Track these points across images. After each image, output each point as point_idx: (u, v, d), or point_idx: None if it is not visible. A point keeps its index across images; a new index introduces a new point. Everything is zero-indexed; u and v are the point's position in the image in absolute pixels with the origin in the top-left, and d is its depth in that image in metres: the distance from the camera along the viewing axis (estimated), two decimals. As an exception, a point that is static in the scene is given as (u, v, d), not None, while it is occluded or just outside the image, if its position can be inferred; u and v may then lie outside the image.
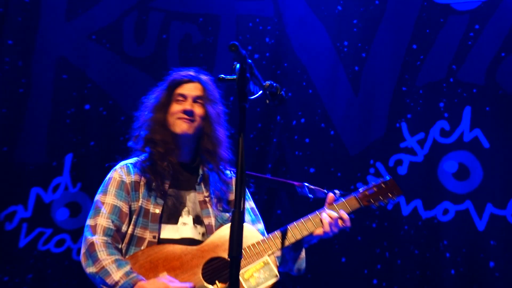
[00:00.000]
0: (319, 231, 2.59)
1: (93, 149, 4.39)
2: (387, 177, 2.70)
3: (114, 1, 4.48)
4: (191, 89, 2.70)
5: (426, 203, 4.13)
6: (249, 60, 2.04)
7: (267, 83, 2.22)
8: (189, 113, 2.66)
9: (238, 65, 2.07)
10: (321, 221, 2.58)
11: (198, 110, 2.69)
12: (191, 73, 2.75)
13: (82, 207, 4.38)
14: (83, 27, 4.46)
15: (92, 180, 4.38)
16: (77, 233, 4.34)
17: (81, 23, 4.47)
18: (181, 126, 2.66)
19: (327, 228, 2.56)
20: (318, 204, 2.74)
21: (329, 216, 2.58)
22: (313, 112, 4.32)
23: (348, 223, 2.60)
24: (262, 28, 4.42)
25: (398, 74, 4.28)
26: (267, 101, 2.34)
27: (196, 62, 4.44)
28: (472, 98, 4.17)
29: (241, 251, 1.92)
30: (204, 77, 2.77)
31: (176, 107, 2.69)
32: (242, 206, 1.91)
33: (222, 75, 2.19)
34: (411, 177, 4.17)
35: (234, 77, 2.08)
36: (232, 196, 2.72)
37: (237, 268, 1.90)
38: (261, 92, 2.22)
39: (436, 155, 4.17)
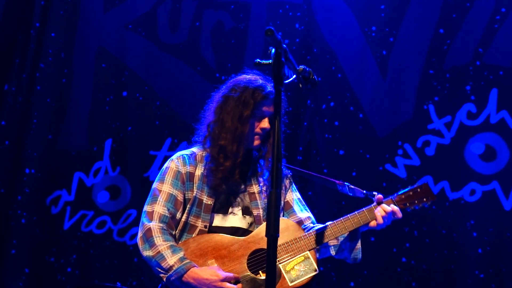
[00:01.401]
0: (372, 223, 2.75)
1: (131, 134, 4.57)
2: (423, 181, 2.88)
3: (149, -10, 4.64)
4: (269, 108, 2.76)
5: (453, 184, 4.21)
6: (284, 45, 2.14)
7: (301, 67, 2.30)
8: (265, 130, 2.78)
9: (273, 50, 2.15)
10: (374, 214, 2.73)
11: (269, 125, 2.78)
12: (270, 89, 2.77)
13: (121, 190, 4.57)
14: (120, 17, 4.64)
15: (130, 163, 4.57)
16: (117, 215, 4.55)
17: (118, 13, 4.65)
18: (256, 142, 2.78)
19: (380, 220, 2.72)
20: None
21: (384, 210, 2.73)
22: (342, 95, 4.42)
23: (400, 215, 2.75)
24: (292, 14, 4.53)
25: (425, 57, 4.35)
26: (300, 85, 2.43)
27: (228, 48, 4.59)
28: (499, 80, 4.23)
29: (278, 230, 2.01)
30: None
31: (257, 125, 2.77)
32: (278, 186, 2.00)
33: (258, 60, 2.29)
34: (438, 158, 4.25)
35: (270, 61, 2.16)
36: (282, 189, 2.85)
37: (274, 246, 2.00)
38: (294, 76, 2.31)
39: (462, 137, 4.24)
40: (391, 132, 4.35)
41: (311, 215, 2.92)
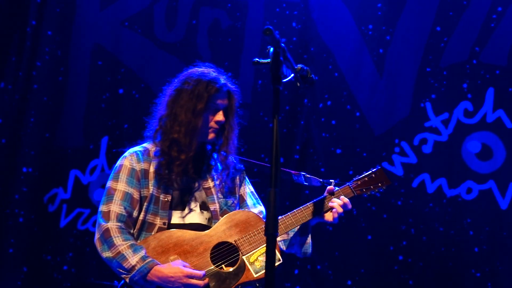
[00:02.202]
0: (327, 217, 2.75)
1: (127, 131, 4.56)
2: (377, 167, 2.86)
3: (145, -12, 4.63)
4: (223, 100, 2.74)
5: (450, 182, 4.23)
6: (282, 44, 2.13)
7: (299, 66, 2.27)
8: (220, 123, 2.75)
9: (271, 49, 2.13)
10: (329, 207, 2.74)
11: (224, 118, 2.76)
12: (224, 82, 2.76)
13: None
14: (116, 15, 4.63)
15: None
16: (114, 213, 4.53)
17: (114, 10, 4.64)
18: (210, 136, 2.74)
19: (336, 215, 2.73)
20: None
21: (336, 202, 2.75)
22: (339, 94, 4.43)
23: (349, 206, 2.76)
24: (289, 13, 4.53)
25: (422, 55, 4.36)
26: (298, 84, 2.40)
27: (224, 46, 4.58)
28: (495, 79, 4.24)
29: (277, 228, 2.00)
30: (233, 87, 2.80)
31: (211, 118, 2.73)
32: (277, 185, 1.98)
33: (257, 59, 2.27)
34: (435, 156, 4.27)
35: (268, 60, 2.15)
36: (235, 183, 2.85)
37: (273, 244, 1.98)
38: (292, 75, 2.29)
39: (460, 135, 4.25)
40: (388, 130, 4.36)
41: (263, 209, 2.89)
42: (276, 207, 1.96)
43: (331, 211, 2.74)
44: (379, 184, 2.84)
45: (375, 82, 4.41)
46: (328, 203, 2.75)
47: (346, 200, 2.76)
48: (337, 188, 2.80)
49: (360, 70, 4.44)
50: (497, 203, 4.15)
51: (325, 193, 2.79)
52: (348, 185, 2.82)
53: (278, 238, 2.77)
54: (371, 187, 2.83)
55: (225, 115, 2.74)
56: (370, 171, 2.84)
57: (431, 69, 4.33)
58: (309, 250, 2.83)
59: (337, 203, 2.75)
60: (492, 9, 4.27)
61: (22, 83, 4.55)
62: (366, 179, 2.82)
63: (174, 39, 4.62)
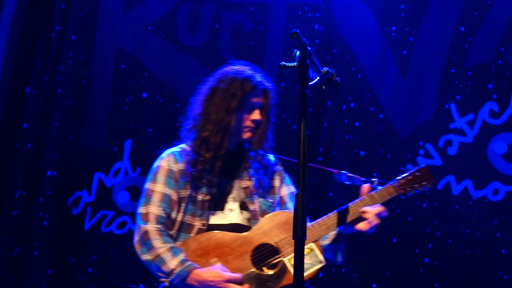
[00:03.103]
0: (360, 226, 2.64)
1: (151, 135, 4.58)
2: (421, 165, 2.81)
3: (168, -7, 4.66)
4: (259, 99, 2.71)
5: (476, 183, 4.18)
6: (309, 48, 2.14)
7: (325, 69, 2.28)
8: (256, 122, 2.71)
9: (298, 52, 2.14)
10: (360, 214, 2.64)
11: (261, 116, 2.73)
12: (259, 79, 2.73)
13: (141, 190, 4.58)
14: (139, 19, 4.66)
15: (150, 164, 4.53)
16: (138, 216, 4.56)
17: (137, 15, 4.67)
18: (246, 135, 2.71)
19: (368, 226, 2.62)
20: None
21: (370, 214, 2.64)
22: (363, 96, 4.41)
23: (385, 213, 2.67)
24: (311, 15, 4.52)
25: (446, 56, 4.32)
26: (323, 87, 2.41)
27: (247, 49, 4.59)
28: (521, 79, 4.21)
29: (306, 232, 1.98)
30: (268, 85, 2.77)
31: (246, 117, 2.70)
32: (305, 189, 1.98)
33: (284, 63, 2.27)
34: (461, 157, 4.22)
35: (295, 64, 2.15)
36: (274, 183, 2.81)
37: (302, 249, 1.97)
38: (318, 78, 2.30)
39: (485, 136, 4.21)
40: (412, 132, 4.33)
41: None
42: (304, 211, 1.95)
43: (365, 219, 2.64)
44: (424, 183, 2.74)
45: (398, 83, 4.39)
46: (360, 209, 2.65)
47: (381, 208, 2.66)
48: (379, 188, 2.72)
49: (383, 71, 4.42)
50: (524, 205, 4.11)
51: (362, 195, 2.70)
52: (391, 184, 2.73)
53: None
54: (415, 185, 2.73)
55: (261, 114, 2.71)
56: (415, 169, 2.76)
57: (455, 70, 4.29)
58: (340, 258, 2.78)
59: (371, 214, 2.64)
60: (517, 9, 4.23)
61: (46, 88, 4.60)
62: (410, 177, 2.73)
63: (197, 43, 4.64)
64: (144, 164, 4.58)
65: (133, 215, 4.50)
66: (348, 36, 4.48)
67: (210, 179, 2.68)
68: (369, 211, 2.64)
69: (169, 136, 4.50)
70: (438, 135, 4.28)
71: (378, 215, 2.65)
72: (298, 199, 1.97)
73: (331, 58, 4.45)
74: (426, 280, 4.19)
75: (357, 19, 4.47)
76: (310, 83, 2.18)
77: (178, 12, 4.65)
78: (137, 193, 4.56)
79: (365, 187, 2.71)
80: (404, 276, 4.23)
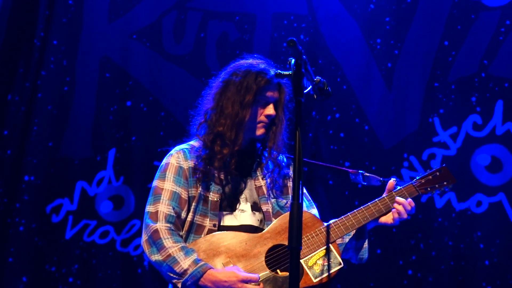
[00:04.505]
0: (383, 219, 2.62)
1: (135, 144, 4.54)
2: (443, 165, 2.79)
3: (154, 2, 4.62)
4: (274, 93, 2.62)
5: (459, 195, 4.21)
6: (304, 56, 2.12)
7: (317, 78, 2.27)
8: (270, 117, 2.63)
9: (293, 60, 2.13)
10: (382, 209, 2.60)
11: (275, 111, 2.66)
12: (274, 73, 2.61)
13: (124, 200, 4.54)
14: (124, 27, 4.62)
15: (134, 173, 4.54)
16: (120, 225, 4.51)
17: (123, 23, 4.62)
18: (260, 131, 2.63)
19: (396, 215, 2.59)
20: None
21: (399, 203, 2.61)
22: (348, 107, 4.42)
23: (413, 210, 2.64)
24: (296, 25, 4.53)
25: (430, 70, 4.36)
26: (315, 96, 2.40)
27: (233, 58, 4.53)
28: (504, 92, 4.24)
29: (301, 242, 1.94)
30: (283, 80, 2.67)
31: (261, 112, 2.61)
32: (300, 198, 1.95)
33: (279, 71, 2.25)
34: (444, 171, 4.25)
35: (290, 72, 2.14)
36: (288, 182, 2.73)
37: (297, 258, 1.94)
38: (310, 87, 2.28)
39: (468, 148, 4.25)
40: (397, 144, 4.36)
41: (317, 212, 2.76)
42: (300, 220, 1.93)
43: (390, 213, 2.60)
44: (445, 183, 2.73)
45: (383, 96, 4.41)
46: (391, 203, 2.62)
47: (412, 203, 2.62)
48: (399, 187, 2.68)
49: (369, 83, 4.44)
50: (507, 216, 4.14)
51: (386, 193, 2.66)
52: (412, 183, 2.70)
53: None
54: (436, 185, 2.72)
55: (275, 109, 2.62)
56: (435, 169, 2.74)
57: (439, 84, 4.33)
58: (366, 255, 2.71)
59: (402, 203, 2.60)
60: (501, 22, 4.28)
61: (28, 93, 4.54)
62: (430, 177, 2.72)
63: (182, 52, 4.62)
64: (128, 173, 4.54)
65: (116, 224, 4.51)
66: (333, 47, 4.50)
67: (223, 177, 2.58)
68: (400, 201, 2.60)
69: (153, 144, 4.54)
70: (422, 148, 4.31)
71: (408, 209, 2.61)
72: (293, 208, 1.94)
73: (317, 68, 4.46)
74: (410, 292, 4.20)
75: (343, 30, 4.49)
76: (304, 92, 2.16)
77: (164, 20, 4.63)
78: (120, 202, 4.53)
79: (391, 182, 2.67)
80: (388, 287, 4.23)
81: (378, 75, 4.43)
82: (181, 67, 4.60)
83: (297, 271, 1.91)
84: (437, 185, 2.73)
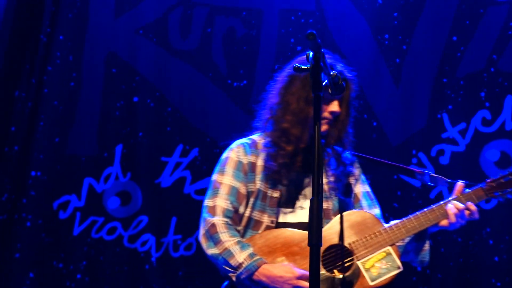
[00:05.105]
0: (444, 222, 2.55)
1: (141, 140, 4.52)
2: None
3: (160, -3, 4.61)
4: None
5: (469, 192, 4.20)
6: (323, 49, 2.09)
7: (334, 72, 2.20)
8: (335, 114, 2.58)
9: (311, 54, 2.08)
10: (446, 212, 2.54)
11: (340, 108, 2.60)
12: (340, 69, 2.59)
13: (132, 196, 4.52)
14: (130, 23, 4.59)
15: (141, 169, 4.52)
16: (128, 221, 4.50)
17: (129, 19, 4.60)
18: (323, 127, 2.56)
19: (453, 219, 2.52)
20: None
21: (456, 207, 2.54)
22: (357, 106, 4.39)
23: (476, 215, 2.56)
24: (304, 21, 4.50)
25: (439, 65, 4.34)
26: (330, 91, 2.36)
27: (239, 54, 4.56)
28: (513, 87, 4.24)
29: (321, 239, 1.90)
30: (349, 75, 2.66)
31: (325, 108, 2.55)
32: (319, 194, 1.91)
33: (297, 64, 2.20)
34: (453, 167, 4.23)
35: (308, 66, 2.09)
36: (350, 180, 2.69)
37: (318, 255, 1.89)
38: (326, 81, 2.22)
39: (477, 144, 4.22)
40: (405, 140, 4.33)
41: (379, 212, 2.72)
42: (320, 216, 1.90)
43: (448, 218, 2.54)
44: None
45: (391, 92, 4.39)
46: (447, 208, 2.54)
47: (473, 207, 2.54)
48: (467, 190, 2.62)
49: (377, 79, 4.42)
50: (517, 212, 4.13)
51: (454, 194, 2.59)
52: (481, 186, 2.62)
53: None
54: (507, 190, 2.60)
55: (340, 105, 2.57)
56: (507, 172, 2.62)
57: (447, 79, 4.31)
58: (427, 258, 2.64)
59: (456, 207, 2.52)
60: (509, 17, 4.26)
61: (34, 89, 4.52)
62: (502, 180, 2.60)
63: (188, 47, 4.60)
64: (134, 169, 4.52)
65: (123, 220, 4.49)
66: (341, 43, 4.48)
67: (287, 174, 2.53)
68: (458, 206, 2.53)
69: (160, 140, 4.52)
70: (431, 144, 4.28)
71: (467, 211, 2.53)
72: (313, 204, 1.91)
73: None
74: (419, 289, 4.19)
75: (350, 26, 4.47)
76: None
77: (170, 16, 4.61)
78: (127, 198, 4.51)
79: (460, 185, 2.60)
80: (397, 284, 4.19)
81: (386, 71, 4.41)
82: (187, 63, 4.58)
83: (317, 270, 1.87)
84: (509, 190, 2.61)
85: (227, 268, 2.47)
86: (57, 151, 4.52)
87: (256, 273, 2.43)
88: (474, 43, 4.31)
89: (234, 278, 2.47)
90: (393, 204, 4.22)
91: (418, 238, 2.63)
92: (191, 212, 4.29)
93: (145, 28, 4.60)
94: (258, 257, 2.45)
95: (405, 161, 4.30)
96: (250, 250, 2.46)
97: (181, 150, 4.52)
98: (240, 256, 2.45)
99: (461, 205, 2.54)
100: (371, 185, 4.10)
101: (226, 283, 2.56)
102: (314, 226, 1.91)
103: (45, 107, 4.53)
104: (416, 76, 4.37)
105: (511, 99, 4.21)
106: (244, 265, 2.44)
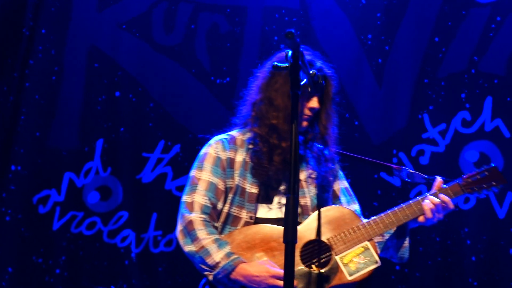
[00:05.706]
0: (421, 218, 2.56)
1: (123, 135, 4.51)
2: (491, 165, 2.70)
3: (144, -8, 4.60)
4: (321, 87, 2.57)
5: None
6: (301, 48, 2.10)
7: (313, 71, 2.23)
8: (314, 111, 2.58)
9: (290, 52, 2.09)
10: (423, 207, 2.55)
11: (319, 105, 2.60)
12: (320, 65, 2.59)
13: (112, 191, 4.51)
14: (114, 17, 4.58)
15: (122, 164, 4.51)
16: (107, 216, 4.48)
17: (112, 13, 4.58)
18: (303, 124, 2.58)
19: (429, 214, 2.54)
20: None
21: (432, 202, 2.55)
22: (338, 102, 4.41)
23: (451, 205, 2.57)
24: (288, 19, 4.52)
25: (420, 66, 4.37)
26: (309, 89, 2.37)
27: (223, 51, 4.56)
28: (493, 88, 4.25)
29: (296, 236, 1.91)
30: (329, 71, 2.65)
31: (305, 105, 2.55)
32: (296, 192, 1.92)
33: (276, 63, 2.21)
34: (432, 167, 4.25)
35: (287, 64, 2.10)
36: (331, 177, 2.69)
37: (292, 252, 1.91)
38: (305, 80, 2.24)
39: (457, 145, 4.26)
40: (386, 140, 4.36)
41: (358, 208, 2.74)
42: (295, 214, 1.91)
43: (424, 213, 2.54)
44: (493, 183, 2.63)
45: (373, 91, 4.41)
46: (423, 204, 2.55)
47: (446, 199, 2.55)
48: (445, 186, 2.63)
49: (359, 79, 4.44)
50: (494, 212, 4.16)
51: (433, 190, 2.60)
52: (458, 182, 2.63)
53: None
54: (483, 185, 2.62)
55: (320, 102, 2.57)
56: (483, 169, 2.65)
57: (428, 80, 4.34)
58: (406, 254, 2.66)
59: (432, 202, 2.53)
60: (491, 19, 4.29)
61: (16, 83, 4.49)
62: (478, 177, 2.62)
63: (172, 43, 4.59)
64: (115, 164, 4.50)
65: (103, 215, 4.47)
66: (324, 42, 4.49)
67: (260, 170, 2.54)
68: (432, 199, 2.54)
69: (142, 136, 4.51)
70: (411, 144, 4.32)
71: (442, 205, 2.54)
72: (289, 201, 1.92)
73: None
74: (397, 287, 4.21)
75: (334, 25, 4.49)
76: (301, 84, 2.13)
77: (154, 11, 4.60)
78: (107, 193, 4.50)
79: (439, 181, 2.62)
80: (375, 283, 4.23)
81: (369, 71, 4.43)
82: (170, 58, 4.57)
83: (292, 266, 1.89)
84: (485, 185, 2.63)
85: (204, 267, 2.48)
86: (38, 145, 4.50)
87: (233, 272, 2.43)
88: (456, 44, 4.34)
89: (211, 277, 2.47)
90: (373, 203, 4.24)
91: (398, 234, 2.65)
92: (172, 208, 4.24)
93: (129, 22, 4.59)
94: (235, 256, 2.46)
95: (386, 161, 4.29)
96: (227, 249, 2.47)
97: (162, 146, 4.52)
98: (217, 255, 2.45)
99: (437, 200, 2.56)
100: (351, 184, 4.14)
101: (204, 280, 2.57)
102: (289, 223, 1.92)
103: (26, 101, 4.50)
104: (398, 76, 4.40)
105: (491, 100, 4.24)
106: (221, 265, 2.44)
